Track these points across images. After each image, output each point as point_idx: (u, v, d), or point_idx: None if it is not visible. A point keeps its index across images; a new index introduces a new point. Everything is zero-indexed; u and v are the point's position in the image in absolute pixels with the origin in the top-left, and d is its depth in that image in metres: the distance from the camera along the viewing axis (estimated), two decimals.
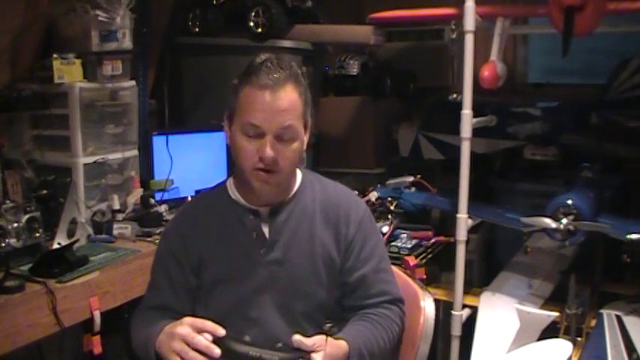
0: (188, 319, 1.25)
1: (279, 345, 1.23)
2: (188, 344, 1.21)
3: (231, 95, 1.36)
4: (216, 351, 1.18)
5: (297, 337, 1.23)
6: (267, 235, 1.40)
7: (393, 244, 2.41)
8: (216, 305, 1.38)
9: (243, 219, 1.40)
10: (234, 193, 1.44)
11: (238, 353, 1.19)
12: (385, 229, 2.46)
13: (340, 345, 1.29)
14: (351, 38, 2.86)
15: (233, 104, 1.35)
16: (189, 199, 2.34)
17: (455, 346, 2.26)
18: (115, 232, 2.28)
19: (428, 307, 1.54)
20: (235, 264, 1.38)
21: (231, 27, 2.89)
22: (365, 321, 1.39)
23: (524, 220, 2.15)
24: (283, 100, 1.30)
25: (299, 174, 1.46)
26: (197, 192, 2.40)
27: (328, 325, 1.30)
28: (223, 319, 1.36)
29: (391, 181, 2.73)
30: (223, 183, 1.49)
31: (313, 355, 1.22)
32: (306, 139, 1.39)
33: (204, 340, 1.20)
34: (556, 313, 1.99)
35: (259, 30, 2.77)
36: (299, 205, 1.42)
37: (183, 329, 1.23)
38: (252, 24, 2.77)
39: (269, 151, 1.29)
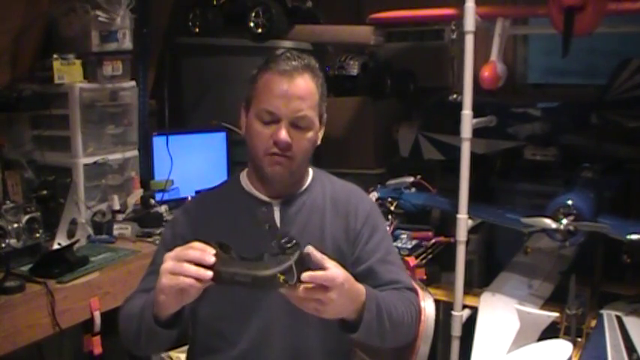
0: (170, 254, 1.16)
1: (265, 257, 1.13)
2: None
3: (248, 85, 1.39)
4: (208, 273, 1.11)
5: (311, 249, 1.16)
6: (278, 226, 1.40)
7: (393, 244, 2.41)
8: (223, 298, 1.37)
9: (255, 211, 1.41)
10: (247, 184, 1.45)
11: (215, 271, 1.12)
12: None
13: (358, 285, 1.25)
14: (351, 38, 2.86)
15: (250, 92, 1.38)
16: (189, 199, 2.35)
17: (455, 346, 2.26)
18: (115, 232, 2.28)
19: (428, 307, 1.54)
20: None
21: (231, 27, 2.89)
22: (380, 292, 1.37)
23: (525, 220, 2.15)
24: (300, 87, 1.33)
25: (310, 171, 1.48)
26: (197, 192, 2.40)
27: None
28: (229, 312, 1.36)
29: (391, 182, 2.73)
30: (236, 176, 1.50)
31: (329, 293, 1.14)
32: (320, 134, 1.42)
33: (193, 267, 1.11)
34: (556, 314, 1.99)
35: (259, 30, 2.76)
36: (310, 199, 1.44)
37: (166, 264, 1.15)
38: (252, 24, 2.77)
39: (284, 135, 1.31)
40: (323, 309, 1.16)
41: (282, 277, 1.11)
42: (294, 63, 1.34)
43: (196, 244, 1.15)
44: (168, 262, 1.15)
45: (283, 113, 1.32)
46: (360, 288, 1.25)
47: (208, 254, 1.12)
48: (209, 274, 1.11)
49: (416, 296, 1.45)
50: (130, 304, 1.36)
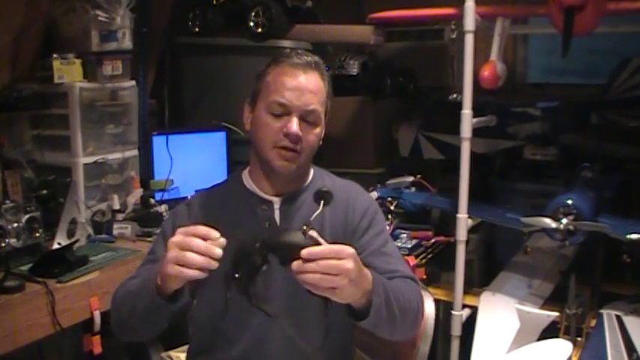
0: (175, 240, 1.14)
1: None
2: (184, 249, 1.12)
3: (255, 81, 1.40)
4: (217, 251, 1.10)
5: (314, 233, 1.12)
6: (278, 224, 1.40)
7: (391, 239, 2.40)
8: (223, 295, 1.37)
9: (255, 208, 1.41)
10: (248, 182, 1.45)
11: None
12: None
13: (365, 269, 1.20)
14: (351, 38, 2.86)
15: (258, 87, 1.39)
16: (190, 197, 2.34)
17: (455, 346, 2.26)
18: (115, 232, 2.28)
19: (428, 307, 1.54)
20: None
21: (231, 27, 2.89)
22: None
23: (524, 220, 2.15)
24: (311, 82, 1.35)
25: (311, 169, 1.49)
26: (197, 192, 2.40)
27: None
28: (230, 309, 1.35)
29: (391, 181, 2.73)
30: (238, 173, 1.50)
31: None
32: (323, 131, 1.42)
33: (202, 242, 1.10)
34: (556, 313, 1.99)
35: (259, 30, 2.76)
36: (310, 197, 1.43)
37: (176, 237, 1.14)
38: (252, 24, 2.77)
39: (295, 127, 1.32)
40: (340, 283, 1.11)
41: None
42: (306, 58, 1.37)
43: (201, 230, 1.13)
44: (173, 252, 1.12)
45: (295, 105, 1.33)
46: (368, 272, 1.22)
47: (215, 244, 1.11)
48: (214, 264, 1.10)
49: (416, 285, 1.43)
50: (126, 286, 1.35)
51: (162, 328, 1.32)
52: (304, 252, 1.09)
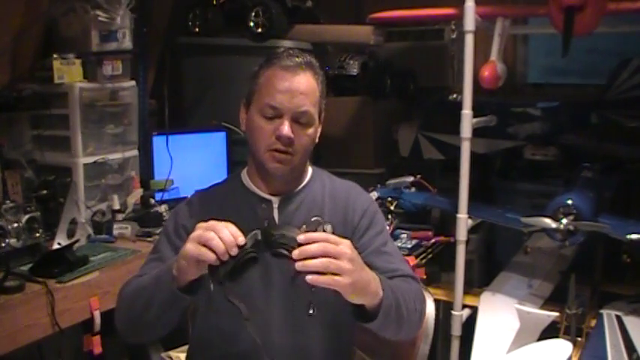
0: (212, 222, 1.17)
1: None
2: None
3: (249, 82, 1.40)
4: (235, 249, 1.13)
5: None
6: (277, 223, 1.40)
7: (391, 238, 2.40)
8: (221, 294, 1.37)
9: (255, 207, 1.41)
10: (247, 181, 1.46)
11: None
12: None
13: (368, 269, 1.21)
14: (351, 38, 2.86)
15: (252, 88, 1.39)
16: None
17: (455, 346, 2.26)
18: (115, 232, 2.28)
19: (428, 307, 1.53)
20: None
21: (231, 27, 2.89)
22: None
23: (525, 220, 2.16)
24: (302, 83, 1.34)
25: (309, 168, 1.49)
26: (197, 191, 2.40)
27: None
28: (228, 308, 1.35)
29: (391, 181, 2.73)
30: (237, 173, 1.50)
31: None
32: (318, 131, 1.42)
33: (229, 234, 1.13)
34: (556, 313, 1.99)
35: (259, 30, 2.76)
36: (309, 196, 1.45)
37: (205, 224, 1.16)
38: (252, 24, 2.77)
39: (287, 130, 1.32)
40: (345, 268, 1.12)
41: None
42: (297, 59, 1.36)
43: (232, 227, 1.15)
44: (198, 231, 1.15)
45: (286, 108, 1.33)
46: (371, 272, 1.23)
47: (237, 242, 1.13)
48: (229, 255, 1.13)
49: (417, 284, 1.43)
50: (135, 283, 1.35)
51: (174, 324, 1.32)
52: (301, 236, 1.12)
